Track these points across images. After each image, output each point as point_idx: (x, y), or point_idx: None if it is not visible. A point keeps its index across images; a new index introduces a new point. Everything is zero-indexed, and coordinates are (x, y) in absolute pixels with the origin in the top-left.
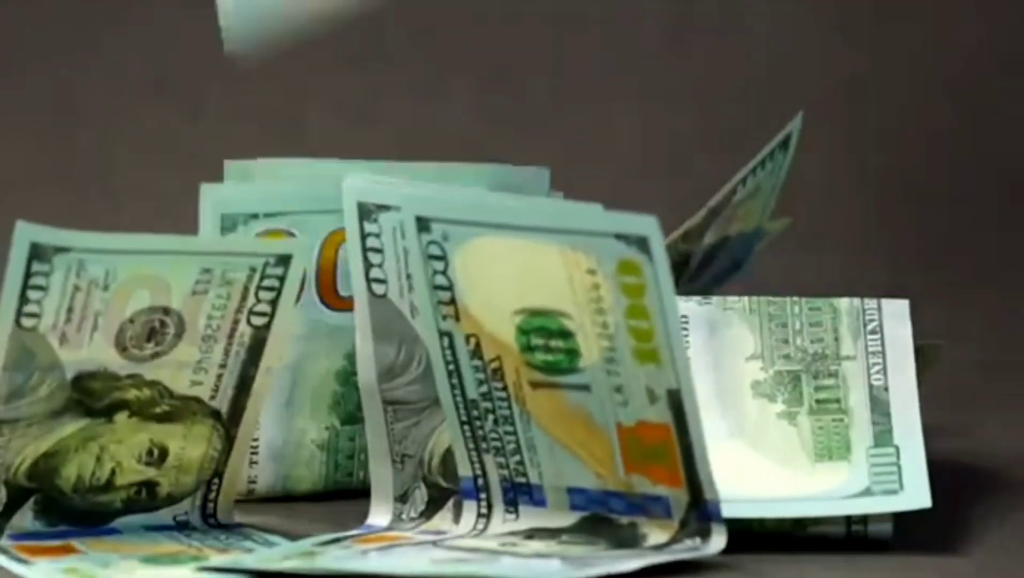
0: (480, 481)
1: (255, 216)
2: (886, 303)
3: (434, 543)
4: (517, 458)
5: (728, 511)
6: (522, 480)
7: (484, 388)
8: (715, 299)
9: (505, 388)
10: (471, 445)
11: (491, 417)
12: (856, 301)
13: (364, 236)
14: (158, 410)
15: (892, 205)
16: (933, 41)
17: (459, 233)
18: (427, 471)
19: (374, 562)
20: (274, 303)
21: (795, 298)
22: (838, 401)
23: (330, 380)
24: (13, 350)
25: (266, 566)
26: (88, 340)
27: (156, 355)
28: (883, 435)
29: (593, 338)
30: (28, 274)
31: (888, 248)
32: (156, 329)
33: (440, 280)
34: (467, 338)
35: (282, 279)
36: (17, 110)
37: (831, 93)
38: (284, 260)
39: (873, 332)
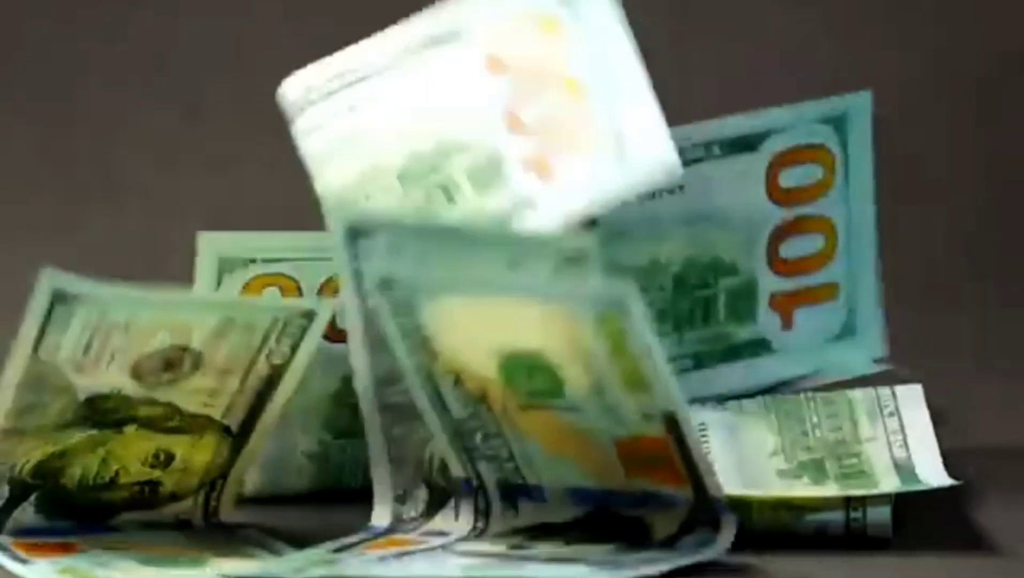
0: (475, 482)
1: (253, 261)
2: (900, 389)
3: (443, 547)
4: (512, 465)
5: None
6: (519, 481)
7: (470, 409)
8: (730, 404)
9: (491, 410)
10: (464, 457)
11: (480, 433)
12: (870, 390)
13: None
14: (169, 425)
15: (892, 205)
16: (933, 41)
17: (426, 294)
18: (427, 473)
19: (395, 570)
20: (295, 347)
21: (809, 394)
22: (863, 471)
23: (325, 401)
24: (28, 373)
25: (290, 576)
26: (104, 370)
27: (171, 382)
28: (910, 479)
29: (579, 371)
30: (49, 317)
31: (888, 248)
32: (173, 361)
33: (410, 326)
34: (446, 373)
35: (304, 329)
36: (17, 110)
37: (831, 93)
38: (308, 315)
39: (891, 415)
